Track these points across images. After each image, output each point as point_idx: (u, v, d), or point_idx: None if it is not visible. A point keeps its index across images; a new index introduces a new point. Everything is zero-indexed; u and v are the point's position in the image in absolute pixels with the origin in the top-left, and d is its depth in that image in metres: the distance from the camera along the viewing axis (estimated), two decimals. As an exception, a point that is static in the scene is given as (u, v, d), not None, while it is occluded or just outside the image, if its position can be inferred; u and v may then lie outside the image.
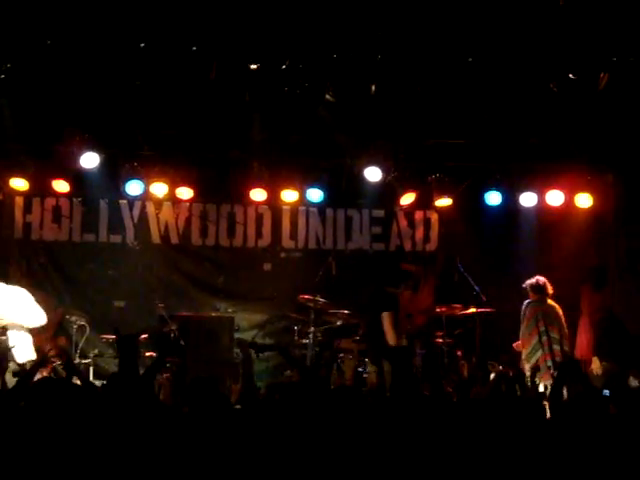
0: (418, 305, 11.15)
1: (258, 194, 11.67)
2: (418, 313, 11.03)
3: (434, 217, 12.23)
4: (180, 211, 12.02)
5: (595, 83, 9.22)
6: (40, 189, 11.50)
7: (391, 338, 10.77)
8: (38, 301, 11.46)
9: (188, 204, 11.96)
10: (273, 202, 11.90)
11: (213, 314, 11.57)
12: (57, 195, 11.65)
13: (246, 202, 11.95)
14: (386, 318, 10.88)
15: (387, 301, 11.01)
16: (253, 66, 9.28)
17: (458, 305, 11.04)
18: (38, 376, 8.16)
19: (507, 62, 9.32)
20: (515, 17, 8.72)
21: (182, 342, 10.70)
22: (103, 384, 9.07)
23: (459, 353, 10.94)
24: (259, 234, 12.16)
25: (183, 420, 5.16)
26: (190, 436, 4.85)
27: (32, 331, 11.36)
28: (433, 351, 10.82)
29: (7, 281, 11.19)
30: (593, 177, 11.47)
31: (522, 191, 11.54)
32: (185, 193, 11.61)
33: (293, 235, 12.19)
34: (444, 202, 11.70)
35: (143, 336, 10.51)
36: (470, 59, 9.16)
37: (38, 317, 9.93)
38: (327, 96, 9.81)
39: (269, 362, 11.85)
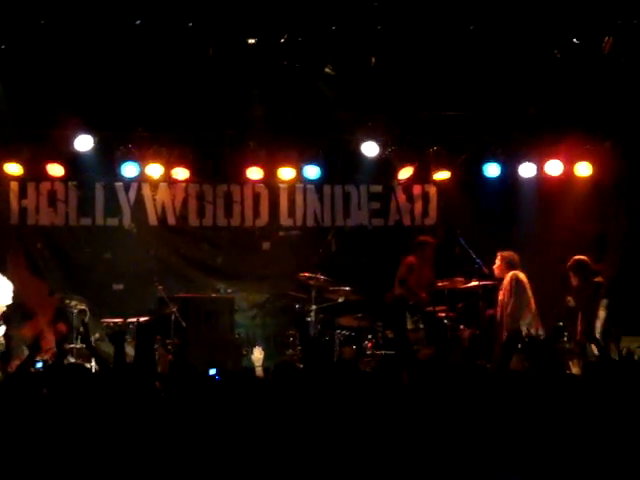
0: (420, 280, 11.15)
1: (254, 173, 11.57)
2: (420, 288, 11.02)
3: (433, 191, 12.15)
4: (176, 192, 11.89)
5: (599, 47, 9.14)
6: (35, 173, 11.37)
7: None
8: (36, 286, 11.45)
9: (184, 185, 11.85)
10: (270, 180, 11.81)
11: (213, 295, 11.49)
12: (52, 179, 11.51)
13: (243, 181, 11.85)
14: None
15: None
16: (251, 41, 9.16)
17: (460, 278, 11.01)
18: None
19: (508, 29, 9.24)
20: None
21: (183, 324, 10.64)
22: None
23: (462, 327, 10.90)
24: (257, 213, 12.06)
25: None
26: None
27: (30, 318, 11.38)
28: (436, 325, 10.79)
29: (5, 267, 11.15)
30: (592, 145, 11.42)
31: (521, 162, 11.49)
32: (181, 173, 11.52)
33: (291, 213, 12.10)
34: (442, 175, 11.65)
35: (143, 319, 10.51)
36: (471, 27, 9.03)
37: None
38: (326, 69, 9.71)
39: (270, 342, 11.81)
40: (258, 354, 9.42)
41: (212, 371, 9.76)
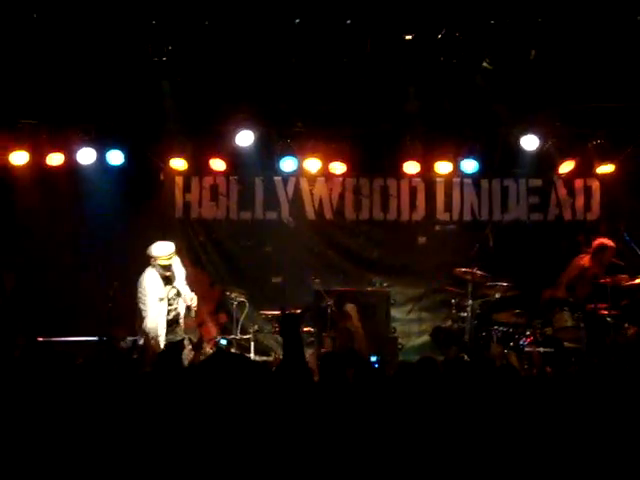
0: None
1: (411, 167, 11.56)
2: (583, 283, 10.71)
3: (595, 185, 11.80)
4: (333, 186, 12.04)
5: None
6: (198, 168, 11.77)
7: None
8: (198, 278, 11.82)
9: (341, 179, 11.97)
10: (426, 174, 11.77)
11: (369, 288, 11.56)
12: (215, 174, 11.87)
13: (399, 175, 11.86)
14: None
15: None
16: (408, 37, 9.14)
17: (624, 276, 10.63)
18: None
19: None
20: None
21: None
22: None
23: (626, 325, 10.53)
24: (413, 207, 12.05)
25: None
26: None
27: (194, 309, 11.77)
28: (598, 323, 10.46)
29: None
30: None
31: (691, 152, 10.99)
32: (338, 168, 11.63)
33: (448, 207, 12.03)
34: (606, 169, 11.30)
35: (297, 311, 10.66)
36: (638, 17, 8.69)
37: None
38: (484, 64, 9.57)
39: (426, 335, 11.82)
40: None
41: (373, 358, 10.01)
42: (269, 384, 5.22)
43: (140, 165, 11.68)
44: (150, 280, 9.72)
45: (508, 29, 9.08)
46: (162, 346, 9.34)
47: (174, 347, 8.48)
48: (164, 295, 9.73)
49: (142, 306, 9.67)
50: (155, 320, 9.60)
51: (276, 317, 10.60)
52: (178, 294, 9.87)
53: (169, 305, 9.80)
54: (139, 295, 9.72)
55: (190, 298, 9.89)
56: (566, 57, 9.88)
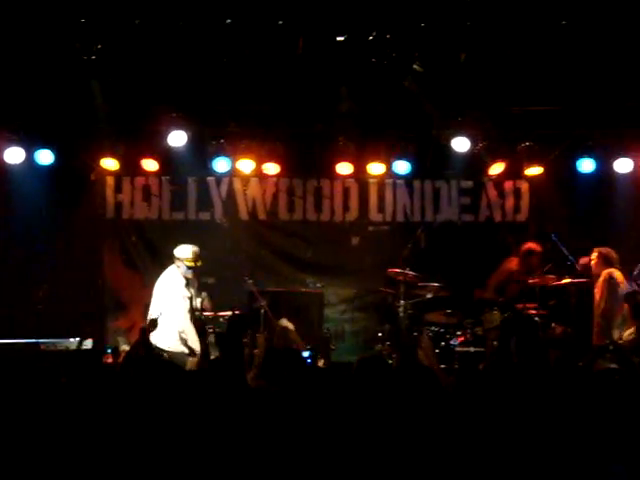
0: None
1: (344, 168, 11.61)
2: (511, 285, 10.87)
3: (524, 187, 11.97)
4: (267, 187, 12.03)
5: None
6: (130, 168, 11.65)
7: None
8: (130, 279, 11.72)
9: (275, 179, 11.97)
10: (360, 175, 11.83)
11: (302, 289, 11.58)
12: (147, 174, 11.78)
13: (333, 176, 11.90)
14: None
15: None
16: (340, 38, 9.17)
17: (552, 276, 10.81)
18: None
19: (598, 23, 9.02)
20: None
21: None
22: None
23: (554, 325, 10.71)
24: (346, 208, 12.11)
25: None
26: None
27: (124, 310, 11.67)
28: (527, 323, 10.63)
29: (102, 260, 11.48)
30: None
31: (616, 157, 11.21)
32: (272, 168, 11.62)
33: (381, 208, 12.10)
34: (535, 171, 11.46)
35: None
36: (563, 22, 8.85)
37: None
38: (415, 66, 9.65)
39: (359, 337, 11.89)
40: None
41: (305, 353, 10.07)
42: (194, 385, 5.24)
43: (70, 165, 11.53)
44: (175, 278, 9.85)
45: (438, 32, 9.16)
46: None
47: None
48: (189, 295, 9.88)
49: (169, 303, 9.69)
50: (187, 318, 9.68)
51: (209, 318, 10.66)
52: (192, 298, 9.97)
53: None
54: (164, 293, 9.78)
55: (202, 298, 10.03)
56: (496, 61, 9.99)
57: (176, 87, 10.46)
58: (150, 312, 9.82)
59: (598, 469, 4.22)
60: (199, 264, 9.91)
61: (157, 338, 9.38)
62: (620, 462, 4.24)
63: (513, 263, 10.99)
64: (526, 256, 10.86)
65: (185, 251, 9.89)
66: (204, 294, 10.03)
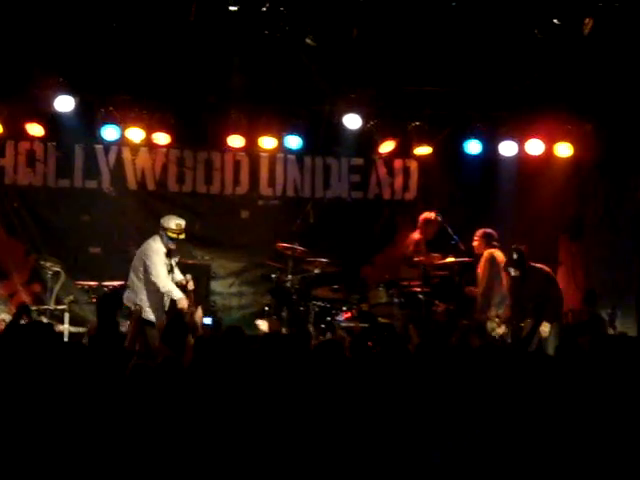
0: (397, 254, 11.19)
1: (236, 140, 11.52)
2: (397, 262, 11.05)
3: (413, 165, 12.13)
4: (157, 157, 11.83)
5: (580, 29, 9.11)
6: (14, 132, 11.26)
7: None
8: (11, 247, 11.40)
9: (165, 150, 11.78)
10: (251, 149, 11.76)
11: (190, 261, 11.44)
12: (31, 139, 11.41)
13: (223, 149, 11.80)
14: None
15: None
16: (233, 8, 9.07)
17: (436, 254, 11.04)
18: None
19: (490, 7, 9.18)
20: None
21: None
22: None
23: (437, 302, 10.94)
24: (237, 181, 12.03)
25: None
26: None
27: (5, 278, 11.36)
28: (411, 299, 10.83)
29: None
30: (573, 126, 11.39)
31: (502, 140, 11.47)
32: (162, 139, 11.44)
33: (271, 183, 12.07)
34: (424, 150, 11.63)
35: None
36: (453, 3, 8.97)
37: None
38: (307, 40, 9.64)
39: (246, 310, 11.88)
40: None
41: (208, 320, 10.09)
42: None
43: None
44: (156, 248, 9.76)
45: (331, 6, 9.16)
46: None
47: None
48: (168, 263, 9.82)
49: (148, 273, 9.66)
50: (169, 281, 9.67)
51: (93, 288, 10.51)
52: (171, 270, 9.84)
53: None
54: (145, 262, 9.72)
55: (185, 280, 9.87)
56: (389, 39, 10.08)
57: (64, 50, 10.17)
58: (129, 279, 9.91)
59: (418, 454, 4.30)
60: (182, 237, 9.88)
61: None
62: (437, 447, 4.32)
63: (415, 234, 11.19)
64: (425, 225, 11.09)
65: (169, 221, 9.85)
66: (188, 276, 9.93)
